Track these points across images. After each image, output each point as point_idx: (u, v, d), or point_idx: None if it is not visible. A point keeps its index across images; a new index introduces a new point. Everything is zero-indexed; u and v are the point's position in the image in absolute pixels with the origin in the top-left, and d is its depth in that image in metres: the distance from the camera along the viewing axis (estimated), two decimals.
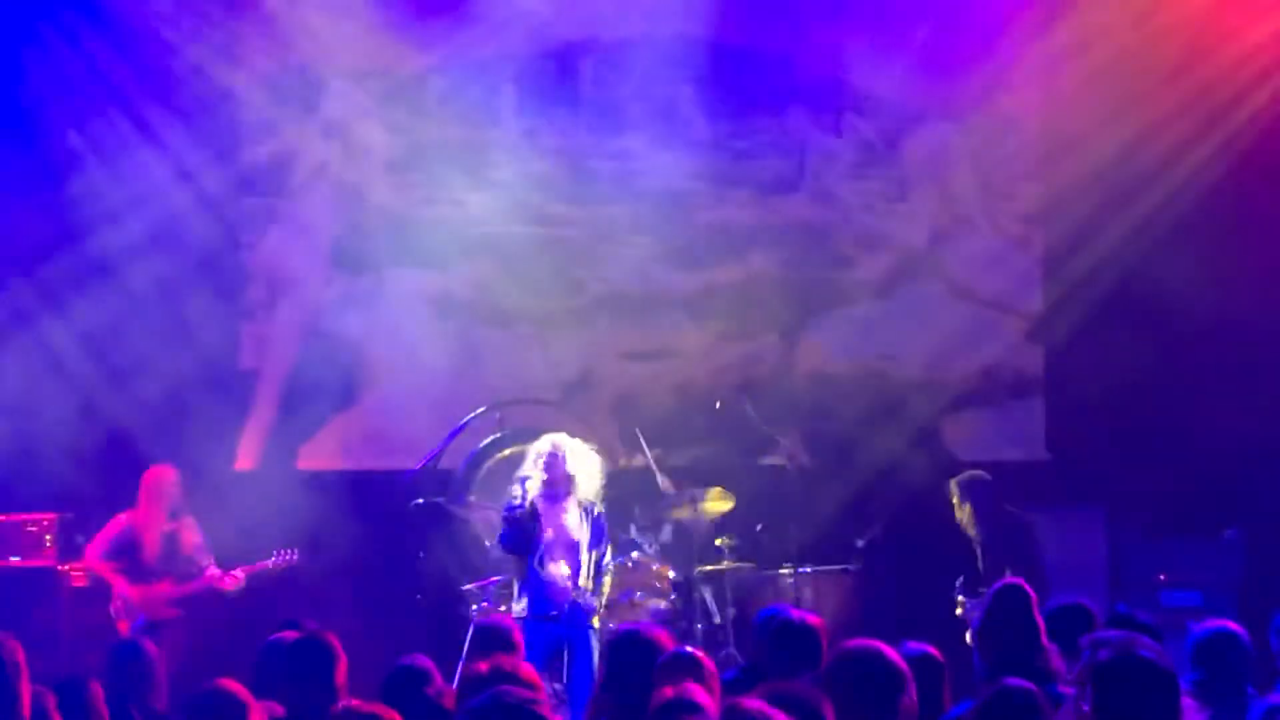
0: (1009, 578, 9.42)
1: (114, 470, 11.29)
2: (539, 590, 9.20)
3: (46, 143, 11.86)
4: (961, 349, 12.44)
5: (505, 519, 9.22)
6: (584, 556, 9.32)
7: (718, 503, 10.92)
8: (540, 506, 9.31)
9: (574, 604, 9.21)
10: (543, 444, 9.53)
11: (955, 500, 10.07)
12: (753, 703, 3.31)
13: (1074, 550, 10.77)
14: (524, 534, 9.15)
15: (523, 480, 9.38)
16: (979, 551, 9.95)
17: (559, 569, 9.23)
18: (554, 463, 9.36)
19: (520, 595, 9.29)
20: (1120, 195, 11.88)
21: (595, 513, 9.45)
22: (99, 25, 11.83)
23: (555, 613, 9.18)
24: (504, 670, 4.96)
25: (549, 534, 9.27)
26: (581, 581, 9.27)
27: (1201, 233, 11.53)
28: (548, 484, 9.30)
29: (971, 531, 9.98)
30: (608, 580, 9.70)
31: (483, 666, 5.05)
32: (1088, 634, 6.21)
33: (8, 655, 5.38)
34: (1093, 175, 11.92)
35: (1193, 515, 11.59)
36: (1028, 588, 6.45)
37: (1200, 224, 11.60)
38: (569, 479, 9.35)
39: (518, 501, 9.23)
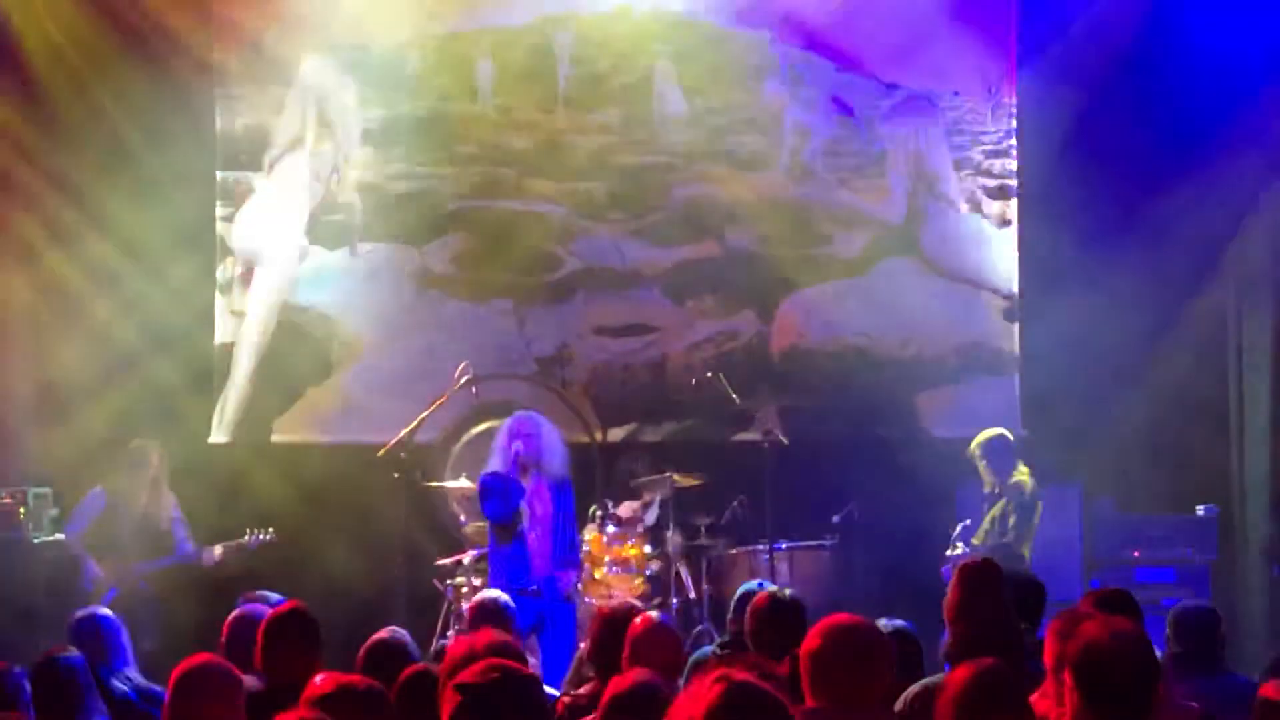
0: (980, 552, 9.60)
1: (87, 444, 11.23)
2: (516, 564, 9.19)
3: None
4: (938, 326, 12.46)
5: (490, 489, 9.15)
6: (557, 531, 9.31)
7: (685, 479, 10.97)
8: None
9: (551, 578, 9.21)
10: (512, 421, 9.52)
11: (975, 453, 10.90)
12: (741, 674, 3.30)
13: (1049, 527, 10.82)
14: (510, 502, 9.09)
15: (497, 452, 9.36)
16: (993, 506, 10.76)
17: (535, 543, 9.22)
18: (525, 439, 9.34)
19: (497, 570, 9.27)
20: (1097, 174, 11.88)
21: (564, 488, 9.44)
22: None
23: (534, 587, 9.18)
24: (497, 645, 4.93)
25: (523, 509, 9.26)
26: (556, 555, 9.26)
27: (1179, 209, 11.53)
28: (520, 460, 9.28)
29: (987, 487, 10.86)
30: (581, 554, 9.72)
31: (477, 643, 5.01)
32: (1040, 608, 6.26)
33: None
34: (1070, 152, 11.92)
35: (1167, 493, 11.62)
36: (998, 564, 6.44)
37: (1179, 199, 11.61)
38: (539, 455, 9.33)
39: (498, 475, 9.18)
